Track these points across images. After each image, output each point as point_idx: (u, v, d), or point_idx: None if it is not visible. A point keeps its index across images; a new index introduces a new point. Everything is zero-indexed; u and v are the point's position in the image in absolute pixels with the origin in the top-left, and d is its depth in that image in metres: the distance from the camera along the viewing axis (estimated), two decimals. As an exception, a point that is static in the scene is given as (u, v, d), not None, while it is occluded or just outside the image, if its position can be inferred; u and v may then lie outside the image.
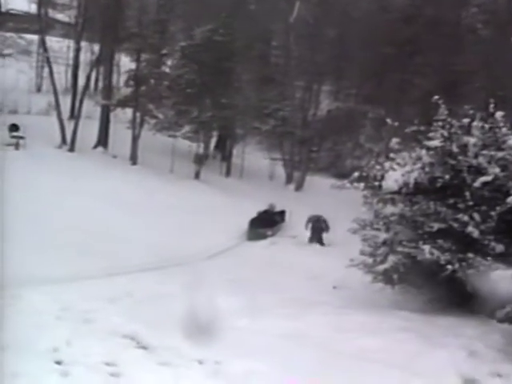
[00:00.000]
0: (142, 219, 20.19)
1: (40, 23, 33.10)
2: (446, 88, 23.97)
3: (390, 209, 13.31)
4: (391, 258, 13.00)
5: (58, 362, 7.93)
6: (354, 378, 8.51)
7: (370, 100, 32.75)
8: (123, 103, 30.39)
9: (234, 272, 16.15)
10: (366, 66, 33.12)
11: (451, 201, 12.55)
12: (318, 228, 21.98)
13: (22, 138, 27.12)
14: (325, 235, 21.81)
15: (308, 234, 21.88)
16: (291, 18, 34.46)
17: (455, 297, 12.59)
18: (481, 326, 11.36)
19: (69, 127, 29.43)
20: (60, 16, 39.05)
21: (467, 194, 12.48)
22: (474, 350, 10.14)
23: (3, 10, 32.53)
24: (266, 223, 22.37)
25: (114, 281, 13.27)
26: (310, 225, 22.00)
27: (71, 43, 37.52)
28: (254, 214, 22.49)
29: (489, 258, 12.03)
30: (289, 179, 32.86)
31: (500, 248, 12.12)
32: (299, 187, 31.58)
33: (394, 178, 12.94)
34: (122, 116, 30.97)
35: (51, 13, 36.85)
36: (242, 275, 15.76)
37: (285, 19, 34.89)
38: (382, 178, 13.26)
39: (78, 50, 36.34)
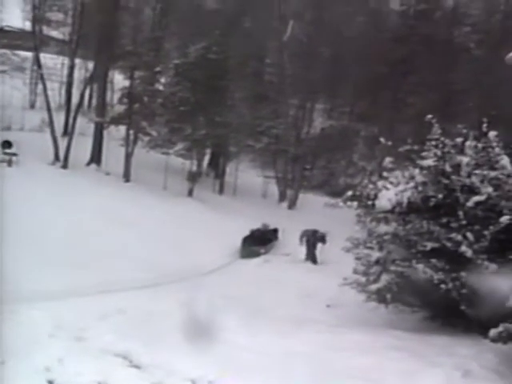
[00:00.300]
0: (136, 236, 20.16)
1: (34, 40, 33.18)
2: (440, 107, 24.13)
3: (383, 228, 13.32)
4: (384, 277, 12.99)
5: (50, 382, 7.90)
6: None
7: (363, 118, 32.87)
8: (117, 120, 30.44)
9: (228, 290, 16.08)
10: (360, 85, 33.26)
11: (444, 220, 12.57)
12: (313, 243, 21.95)
13: (15, 154, 27.08)
14: (318, 252, 21.72)
15: (303, 249, 21.80)
16: (285, 36, 34.64)
17: (449, 316, 12.61)
18: (474, 345, 11.33)
19: (62, 144, 29.42)
20: (54, 33, 39.11)
21: (460, 213, 12.51)
22: (468, 370, 10.11)
23: (-2, 26, 32.63)
24: (260, 241, 22.35)
25: (107, 297, 13.20)
26: (304, 239, 21.93)
27: (65, 60, 37.60)
28: (247, 232, 22.48)
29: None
30: (282, 197, 32.88)
31: (493, 267, 12.11)
32: (292, 205, 31.60)
33: (387, 197, 12.96)
34: (116, 133, 30.99)
35: (46, 30, 36.90)
36: (236, 293, 15.70)
37: (279, 37, 35.06)
38: (376, 196, 13.29)
39: (72, 67, 36.40)
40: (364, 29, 35.54)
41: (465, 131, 13.61)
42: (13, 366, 8.09)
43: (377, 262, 13.53)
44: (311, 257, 21.83)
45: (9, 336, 9.24)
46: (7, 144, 27.72)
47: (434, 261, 12.38)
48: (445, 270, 12.31)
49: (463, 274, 12.18)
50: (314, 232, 22.09)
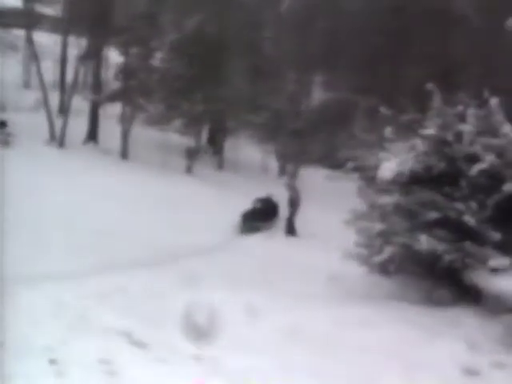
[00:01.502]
0: (134, 214, 19.98)
1: (27, 18, 32.88)
2: (440, 76, 23.82)
3: (385, 199, 13.17)
4: (387, 249, 12.86)
5: (53, 361, 7.82)
6: (354, 370, 8.43)
7: (362, 90, 32.59)
8: (112, 98, 30.17)
9: (226, 266, 15.98)
10: (358, 56, 32.97)
11: (447, 189, 12.43)
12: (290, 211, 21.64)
13: (10, 134, 26.93)
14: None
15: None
16: (282, 8, 34.31)
17: (453, 287, 12.49)
18: (480, 316, 11.27)
19: (58, 123, 29.24)
20: (47, 10, 38.68)
21: (463, 182, 12.37)
22: (473, 341, 10.07)
23: (-11, 5, 32.28)
24: (260, 216, 22.18)
25: (107, 276, 13.09)
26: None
27: (59, 38, 37.24)
28: (246, 208, 22.29)
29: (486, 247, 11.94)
30: (282, 172, 32.70)
31: (497, 236, 12.01)
32: (293, 179, 31.39)
33: (388, 168, 12.79)
34: (112, 111, 30.74)
35: (38, 7, 36.49)
36: (235, 270, 15.60)
37: (276, 10, 34.72)
38: (377, 168, 13.12)
39: (65, 45, 36.07)
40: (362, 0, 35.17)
41: (466, 100, 13.42)
42: (14, 347, 8.01)
43: (379, 233, 13.40)
44: (288, 226, 21.56)
45: (10, 317, 9.16)
46: (2, 124, 27.56)
47: (437, 231, 12.26)
48: (448, 240, 12.19)
49: (467, 243, 12.07)
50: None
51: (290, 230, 21.47)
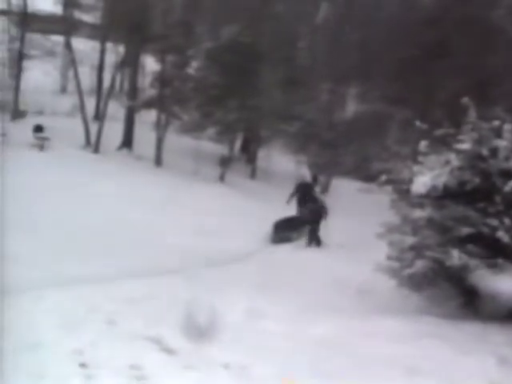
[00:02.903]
0: (166, 221, 20.12)
1: (65, 24, 33.29)
2: (475, 90, 23.68)
3: (417, 213, 13.09)
4: (418, 263, 12.78)
5: (83, 365, 7.91)
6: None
7: (396, 102, 32.48)
8: (148, 105, 30.42)
9: (256, 276, 16.00)
10: (393, 68, 32.86)
11: (481, 205, 12.30)
12: (314, 219, 21.24)
13: (46, 139, 27.29)
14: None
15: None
16: (317, 19, 34.34)
17: (483, 303, 12.38)
18: (509, 332, 11.17)
19: (93, 128, 29.55)
20: (85, 17, 39.15)
21: (497, 198, 12.25)
22: (503, 357, 9.96)
23: (29, 11, 32.73)
24: (291, 226, 22.15)
25: (136, 283, 13.19)
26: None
27: (96, 44, 37.67)
28: (278, 217, 22.28)
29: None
30: (314, 182, 32.66)
31: (530, 254, 11.89)
32: (325, 190, 31.37)
33: (422, 182, 12.72)
34: (147, 117, 30.99)
35: (77, 14, 36.95)
36: (264, 279, 15.60)
37: (311, 21, 34.76)
38: (411, 181, 13.06)
39: (103, 51, 36.49)
40: (397, 10, 35.07)
41: (502, 114, 13.31)
42: (46, 349, 8.11)
43: (411, 247, 13.33)
44: (312, 237, 21.16)
45: (41, 319, 9.28)
46: (39, 128, 27.98)
47: (469, 246, 12.17)
48: (481, 257, 12.09)
49: (499, 260, 11.96)
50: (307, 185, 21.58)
51: (311, 241, 21.32)
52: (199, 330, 9.28)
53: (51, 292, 10.93)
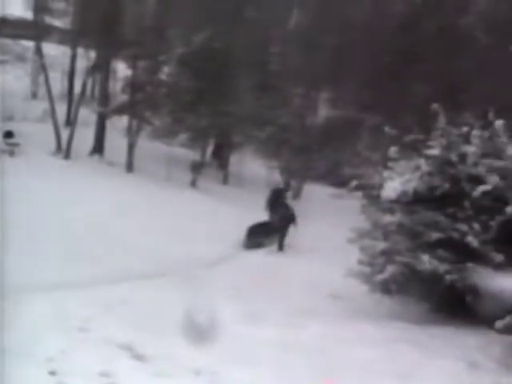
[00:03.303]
0: (138, 226, 20.04)
1: (36, 29, 33.06)
2: (445, 96, 23.89)
3: (388, 218, 13.20)
4: (390, 268, 12.88)
5: (52, 372, 7.85)
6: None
7: (368, 107, 32.65)
8: (119, 110, 30.29)
9: (229, 281, 16.02)
10: (365, 74, 33.03)
11: (450, 210, 12.46)
12: (283, 225, 21.54)
13: (16, 144, 27.07)
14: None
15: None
16: (290, 24, 34.44)
17: (454, 307, 12.50)
18: (481, 336, 11.27)
19: (64, 134, 29.36)
20: (56, 22, 38.91)
21: (466, 203, 12.39)
22: (474, 361, 10.07)
23: (-1, 16, 32.49)
24: (264, 231, 22.18)
25: (110, 288, 13.17)
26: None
27: (67, 49, 37.42)
28: (250, 223, 22.31)
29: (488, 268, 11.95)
30: (286, 187, 32.70)
31: (500, 258, 12.03)
32: (297, 195, 31.42)
33: (392, 187, 12.84)
34: (119, 123, 30.85)
35: (47, 19, 36.70)
36: (239, 284, 15.63)
37: (283, 26, 34.86)
38: (381, 186, 13.16)
39: (73, 57, 36.23)
40: (369, 17, 35.28)
41: (471, 120, 13.48)
42: (16, 356, 8.04)
43: (382, 252, 13.42)
44: (279, 240, 21.44)
45: (13, 325, 9.20)
46: (9, 134, 27.74)
47: (439, 251, 12.29)
48: (450, 261, 12.22)
49: (469, 264, 12.09)
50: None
51: (280, 246, 21.44)
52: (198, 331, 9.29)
53: (23, 298, 10.86)
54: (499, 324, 10.96)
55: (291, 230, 21.66)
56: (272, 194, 23.58)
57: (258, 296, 14.24)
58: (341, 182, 23.77)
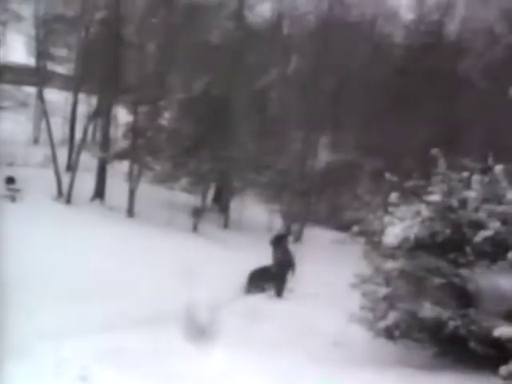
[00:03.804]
0: (139, 272, 19.98)
1: (38, 76, 33.35)
2: (445, 139, 24.03)
3: (390, 264, 13.17)
4: (392, 315, 12.82)
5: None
6: None
7: (368, 152, 32.83)
8: (120, 156, 30.46)
9: (232, 327, 15.89)
10: (364, 118, 33.27)
11: (452, 256, 12.43)
12: (282, 272, 21.31)
13: (18, 190, 27.14)
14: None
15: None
16: (289, 70, 34.76)
17: (458, 353, 12.41)
18: (484, 382, 11.17)
19: (66, 179, 29.46)
20: (58, 68, 39.31)
21: (468, 248, 12.37)
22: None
23: (1, 62, 32.76)
24: (266, 276, 22.09)
25: (111, 334, 13.06)
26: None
27: (69, 95, 37.74)
28: (251, 267, 22.24)
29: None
30: (287, 231, 32.70)
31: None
32: (298, 239, 31.43)
33: (394, 233, 12.83)
34: (120, 168, 30.98)
35: (49, 65, 37.09)
36: (240, 331, 15.50)
37: (282, 71, 35.17)
38: (382, 232, 13.16)
39: (75, 103, 36.53)
40: (368, 62, 35.66)
41: (471, 165, 13.52)
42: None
43: (384, 297, 13.37)
44: (277, 286, 21.19)
45: (11, 374, 9.13)
46: (10, 180, 27.83)
47: (442, 297, 12.24)
48: (453, 307, 12.16)
49: (472, 310, 12.03)
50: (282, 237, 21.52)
51: (280, 292, 21.30)
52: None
53: (24, 345, 10.80)
54: (503, 370, 10.86)
55: (291, 275, 21.59)
56: (274, 239, 23.53)
57: (259, 344, 14.12)
58: (342, 226, 23.81)
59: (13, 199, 26.61)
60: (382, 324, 12.97)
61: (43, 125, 35.04)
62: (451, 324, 12.03)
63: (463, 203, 12.80)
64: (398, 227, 12.84)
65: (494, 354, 11.56)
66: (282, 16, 40.90)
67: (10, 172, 28.92)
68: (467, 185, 13.13)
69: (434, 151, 13.18)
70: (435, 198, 12.88)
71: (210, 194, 34.76)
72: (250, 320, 17.16)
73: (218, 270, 21.64)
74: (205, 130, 29.13)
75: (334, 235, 26.37)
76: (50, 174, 29.78)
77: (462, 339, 12.22)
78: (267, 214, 32.80)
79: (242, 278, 21.54)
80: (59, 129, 36.24)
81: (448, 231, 12.59)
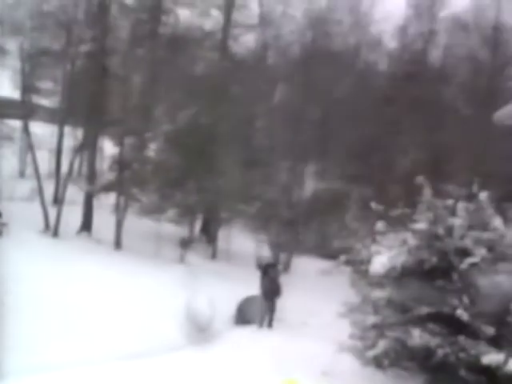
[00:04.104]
0: (126, 304, 19.90)
1: (24, 109, 33.38)
2: (430, 166, 24.21)
3: (377, 293, 13.18)
4: (381, 343, 12.80)
5: None
6: None
7: (354, 180, 32.98)
8: (107, 188, 30.47)
9: (220, 359, 15.86)
10: (350, 146, 33.44)
11: (439, 283, 12.45)
12: (271, 297, 21.08)
13: (4, 224, 26.99)
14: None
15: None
16: (274, 100, 34.95)
17: (449, 381, 12.38)
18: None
19: (52, 212, 29.39)
20: (44, 101, 39.37)
21: (455, 276, 12.40)
22: None
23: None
24: (253, 306, 22.01)
25: (96, 370, 12.99)
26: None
27: (55, 128, 37.76)
28: (239, 298, 22.18)
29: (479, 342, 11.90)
30: (276, 261, 32.65)
31: (491, 331, 11.97)
32: (286, 269, 31.38)
33: (380, 262, 12.85)
34: (106, 200, 30.96)
35: (35, 98, 37.13)
36: (229, 362, 15.45)
37: (268, 101, 35.35)
38: (369, 261, 13.19)
39: (61, 136, 36.57)
40: (353, 90, 35.93)
41: (456, 192, 13.59)
42: None
43: (373, 326, 13.36)
44: (268, 316, 20.95)
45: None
46: (-4, 214, 27.66)
47: (430, 325, 12.23)
48: (442, 335, 12.15)
49: (461, 338, 12.03)
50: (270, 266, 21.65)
51: (270, 323, 21.18)
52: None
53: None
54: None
55: (280, 304, 21.53)
56: (263, 267, 23.47)
57: (247, 371, 14.07)
58: (329, 254, 23.78)
59: (-1, 233, 26.50)
60: (371, 353, 12.94)
61: (29, 158, 34.98)
62: (440, 352, 12.02)
63: (449, 231, 12.84)
64: (385, 256, 12.87)
65: (484, 381, 11.55)
66: (267, 46, 41.19)
67: (-5, 206, 28.83)
68: (453, 212, 13.18)
69: (419, 179, 13.24)
70: (421, 226, 12.93)
71: (198, 224, 34.74)
72: (238, 351, 17.12)
73: (205, 302, 21.56)
74: (191, 160, 29.16)
75: (322, 264, 26.30)
76: (36, 207, 29.71)
77: (452, 367, 12.20)
78: (255, 244, 32.77)
79: (231, 308, 21.48)
80: (45, 162, 36.23)
81: (434, 259, 12.62)
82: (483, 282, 11.73)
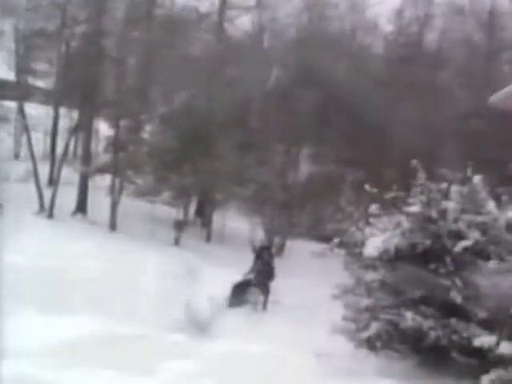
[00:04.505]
0: (121, 286, 19.88)
1: (19, 90, 33.26)
2: (425, 150, 24.23)
3: (370, 275, 13.25)
4: (374, 325, 12.87)
5: None
6: None
7: (349, 163, 33.01)
8: (102, 170, 30.45)
9: (214, 341, 15.87)
10: (346, 130, 33.44)
11: (432, 266, 12.51)
12: (264, 281, 21.26)
13: (-1, 205, 26.99)
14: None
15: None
16: (269, 83, 34.89)
17: (440, 363, 12.46)
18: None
19: (47, 194, 29.37)
20: (39, 83, 39.24)
21: (448, 259, 12.45)
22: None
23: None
24: (247, 289, 22.06)
25: (92, 351, 12.99)
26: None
27: (50, 110, 37.66)
28: (234, 280, 22.22)
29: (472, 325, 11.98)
30: (270, 243, 32.69)
31: (483, 313, 12.04)
32: (280, 252, 31.45)
33: (374, 244, 12.91)
34: (101, 182, 30.94)
35: (30, 80, 37.02)
36: (222, 345, 15.48)
37: (263, 84, 35.28)
38: (363, 244, 13.23)
39: (56, 117, 36.47)
40: (348, 74, 35.84)
41: (450, 175, 13.62)
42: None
43: (366, 308, 13.43)
44: (263, 298, 21.18)
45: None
46: (-9, 195, 27.62)
47: (423, 308, 12.30)
48: (434, 317, 12.22)
49: (453, 320, 12.10)
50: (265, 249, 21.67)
51: (265, 305, 21.28)
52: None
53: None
54: (485, 380, 10.93)
55: (273, 286, 21.61)
56: (258, 249, 23.53)
57: (244, 356, 14.10)
58: (323, 237, 23.83)
59: (-7, 214, 26.47)
60: (364, 335, 13.03)
61: (24, 139, 34.94)
62: (432, 334, 12.10)
63: (443, 214, 12.88)
64: (379, 238, 12.93)
65: (475, 363, 11.63)
66: (263, 29, 41.08)
67: (-10, 187, 28.81)
68: (446, 195, 13.21)
69: (414, 162, 13.27)
70: (415, 209, 12.97)
71: (193, 207, 34.77)
72: (232, 333, 17.16)
73: (199, 284, 21.58)
74: (186, 143, 29.16)
75: (317, 247, 26.35)
76: (31, 188, 29.70)
77: (444, 349, 12.29)
78: (249, 226, 32.80)
79: (225, 291, 21.51)
80: (40, 143, 36.20)
81: (428, 242, 12.68)
82: (483, 282, 11.76)
